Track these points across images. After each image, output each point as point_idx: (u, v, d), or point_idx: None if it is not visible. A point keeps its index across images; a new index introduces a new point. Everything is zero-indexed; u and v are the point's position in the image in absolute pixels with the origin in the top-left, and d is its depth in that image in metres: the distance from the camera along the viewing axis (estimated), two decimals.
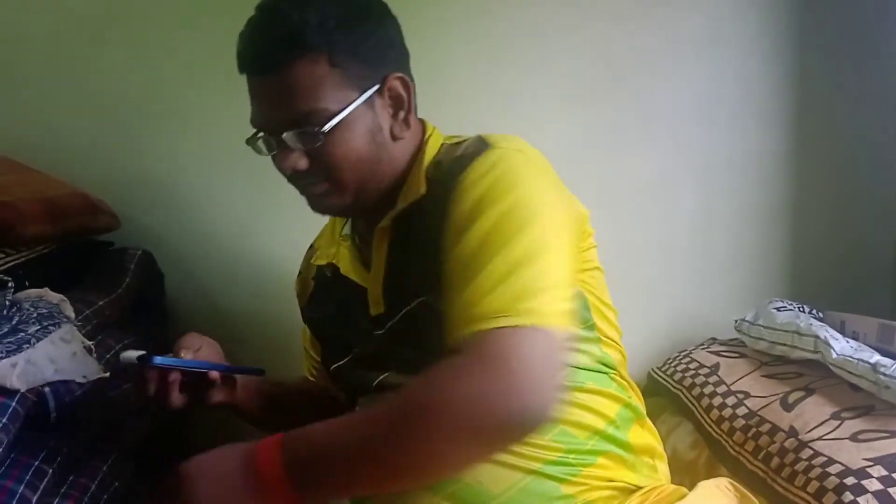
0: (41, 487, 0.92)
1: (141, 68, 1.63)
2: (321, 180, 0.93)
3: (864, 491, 0.89)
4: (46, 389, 0.97)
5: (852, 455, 0.95)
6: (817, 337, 1.21)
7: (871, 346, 1.17)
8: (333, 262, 1.09)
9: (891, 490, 0.88)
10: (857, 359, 1.11)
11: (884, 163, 1.68)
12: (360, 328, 1.01)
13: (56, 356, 1.01)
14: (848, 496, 0.89)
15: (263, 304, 1.66)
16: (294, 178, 0.94)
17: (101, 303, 1.28)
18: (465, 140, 0.97)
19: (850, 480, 0.91)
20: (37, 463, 0.93)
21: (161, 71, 1.63)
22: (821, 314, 1.44)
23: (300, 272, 1.23)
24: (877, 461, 0.92)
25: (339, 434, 0.74)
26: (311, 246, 1.23)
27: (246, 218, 1.67)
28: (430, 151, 0.98)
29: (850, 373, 1.12)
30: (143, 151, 1.66)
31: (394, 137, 0.95)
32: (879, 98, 1.66)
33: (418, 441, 0.69)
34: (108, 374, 1.09)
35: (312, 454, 0.72)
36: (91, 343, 1.11)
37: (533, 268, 0.78)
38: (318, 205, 0.98)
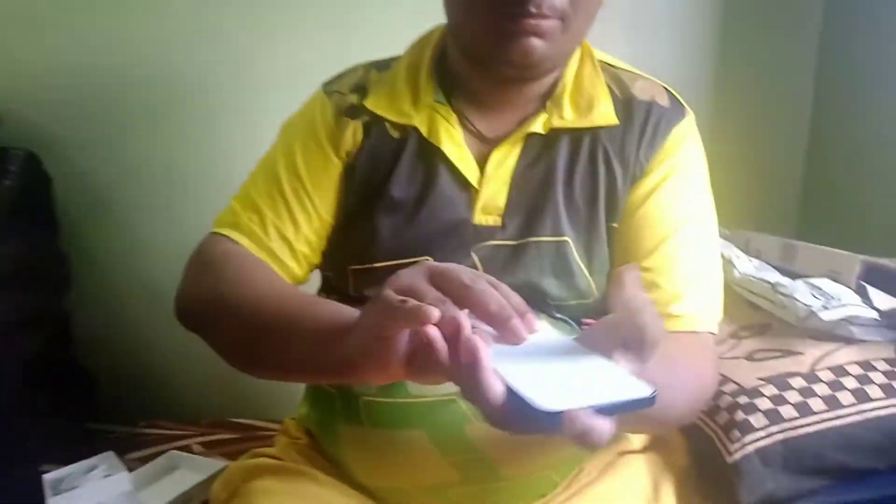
0: None
1: None
2: (556, 17, 0.74)
3: (756, 409, 0.91)
4: None
5: (746, 374, 0.97)
6: (721, 256, 1.22)
7: (772, 265, 1.19)
8: (416, 125, 0.84)
9: (780, 408, 0.91)
10: (758, 278, 1.13)
11: (793, 83, 1.70)
12: (451, 230, 0.82)
13: None
14: (740, 415, 0.91)
15: (163, 212, 1.56)
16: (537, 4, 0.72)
17: None
18: (631, 72, 0.89)
19: (742, 399, 0.93)
20: None
21: None
22: (727, 231, 1.46)
23: (333, 103, 0.88)
24: (769, 380, 0.94)
25: None
26: (333, 90, 0.90)
27: (146, 120, 1.53)
28: (591, 58, 0.87)
29: (750, 292, 1.14)
30: (31, 38, 1.48)
31: None
32: (793, 24, 1.66)
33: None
34: None
35: None
36: None
37: (717, 272, 0.84)
38: (520, 47, 0.74)
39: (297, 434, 0.97)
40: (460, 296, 0.52)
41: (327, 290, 0.91)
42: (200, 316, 0.77)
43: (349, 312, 0.62)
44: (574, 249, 0.81)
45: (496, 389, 0.47)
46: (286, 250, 0.84)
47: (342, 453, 0.86)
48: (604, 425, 0.44)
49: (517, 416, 0.46)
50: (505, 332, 0.51)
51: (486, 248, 0.81)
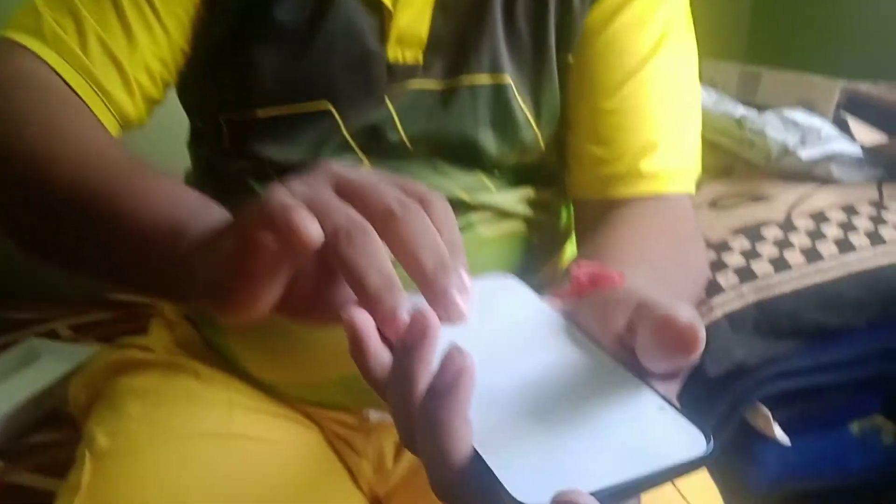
0: None
1: None
2: None
3: (724, 267, 0.78)
4: None
5: (712, 226, 0.83)
6: None
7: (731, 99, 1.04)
8: None
9: (753, 264, 0.78)
10: (719, 113, 0.97)
11: None
12: (357, 68, 0.63)
13: None
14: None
15: None
16: None
17: None
18: None
19: (709, 254, 0.80)
20: None
21: None
22: None
23: None
24: (739, 232, 0.81)
25: None
26: None
27: None
28: None
29: (710, 128, 0.98)
30: None
31: None
32: None
33: None
34: None
35: None
36: None
37: (698, 114, 0.67)
38: None
39: (174, 318, 0.79)
40: (382, 229, 0.34)
41: (196, 140, 0.70)
42: None
43: (195, 203, 0.43)
44: (517, 92, 0.64)
45: (461, 445, 0.29)
46: (114, 75, 0.60)
47: (230, 345, 0.69)
48: None
49: (482, 490, 0.29)
50: (436, 304, 0.34)
51: (405, 92, 0.63)
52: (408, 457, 0.69)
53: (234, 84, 0.63)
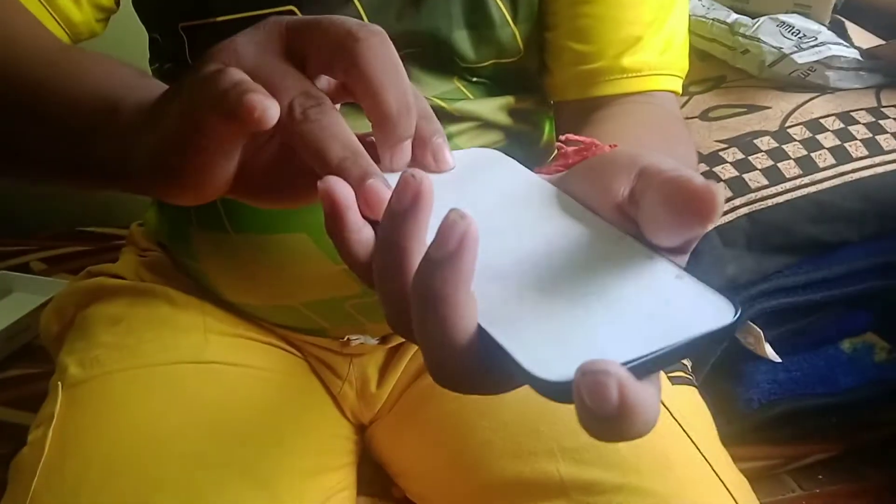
0: None
1: None
2: None
3: (717, 180, 0.75)
4: None
5: (704, 137, 0.80)
6: None
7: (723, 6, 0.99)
8: None
9: (746, 176, 0.74)
10: (712, 19, 0.92)
11: None
12: None
13: None
14: None
15: None
16: None
17: None
18: None
19: (701, 168, 0.76)
20: None
21: None
22: None
23: None
24: (732, 143, 0.77)
25: None
26: None
27: None
28: None
29: (700, 37, 0.93)
30: None
31: None
32: None
33: None
34: None
35: None
36: None
37: (685, 8, 0.62)
38: None
39: (147, 244, 0.75)
40: (343, 58, 0.31)
41: (158, 56, 0.66)
42: None
43: (130, 76, 0.40)
44: None
45: (465, 322, 0.25)
46: None
47: (203, 268, 0.66)
48: (650, 398, 0.23)
49: (487, 370, 0.26)
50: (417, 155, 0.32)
51: None
52: (392, 382, 0.67)
53: None
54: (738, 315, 0.24)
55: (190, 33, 0.59)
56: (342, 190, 0.28)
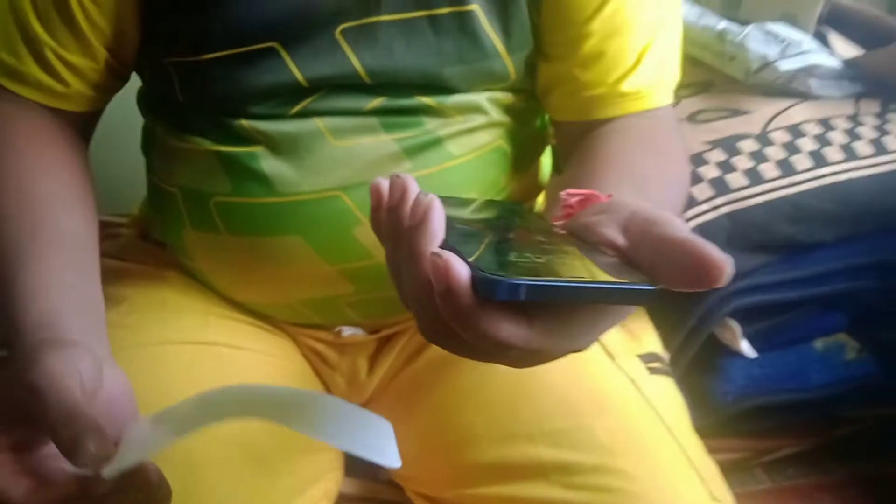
0: None
1: None
2: None
3: (700, 179, 0.78)
4: None
5: (690, 139, 0.82)
6: None
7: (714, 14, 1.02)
8: None
9: (727, 177, 0.77)
10: (702, 26, 0.95)
11: None
12: (305, 5, 0.57)
13: None
14: None
15: None
16: None
17: None
18: None
19: None
20: None
21: None
22: None
23: None
24: (716, 144, 0.80)
25: None
26: None
27: None
28: None
29: (691, 43, 0.96)
30: None
31: None
32: None
33: None
34: None
35: None
36: None
37: (679, 22, 0.64)
38: None
39: (147, 232, 0.77)
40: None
41: (149, 89, 0.67)
42: None
43: (42, 319, 0.49)
44: (485, 20, 0.58)
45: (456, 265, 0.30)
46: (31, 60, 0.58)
47: (198, 266, 0.67)
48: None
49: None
50: None
51: (357, 28, 0.57)
52: (382, 370, 0.69)
53: (177, 24, 0.58)
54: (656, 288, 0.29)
55: (177, 70, 0.59)
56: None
